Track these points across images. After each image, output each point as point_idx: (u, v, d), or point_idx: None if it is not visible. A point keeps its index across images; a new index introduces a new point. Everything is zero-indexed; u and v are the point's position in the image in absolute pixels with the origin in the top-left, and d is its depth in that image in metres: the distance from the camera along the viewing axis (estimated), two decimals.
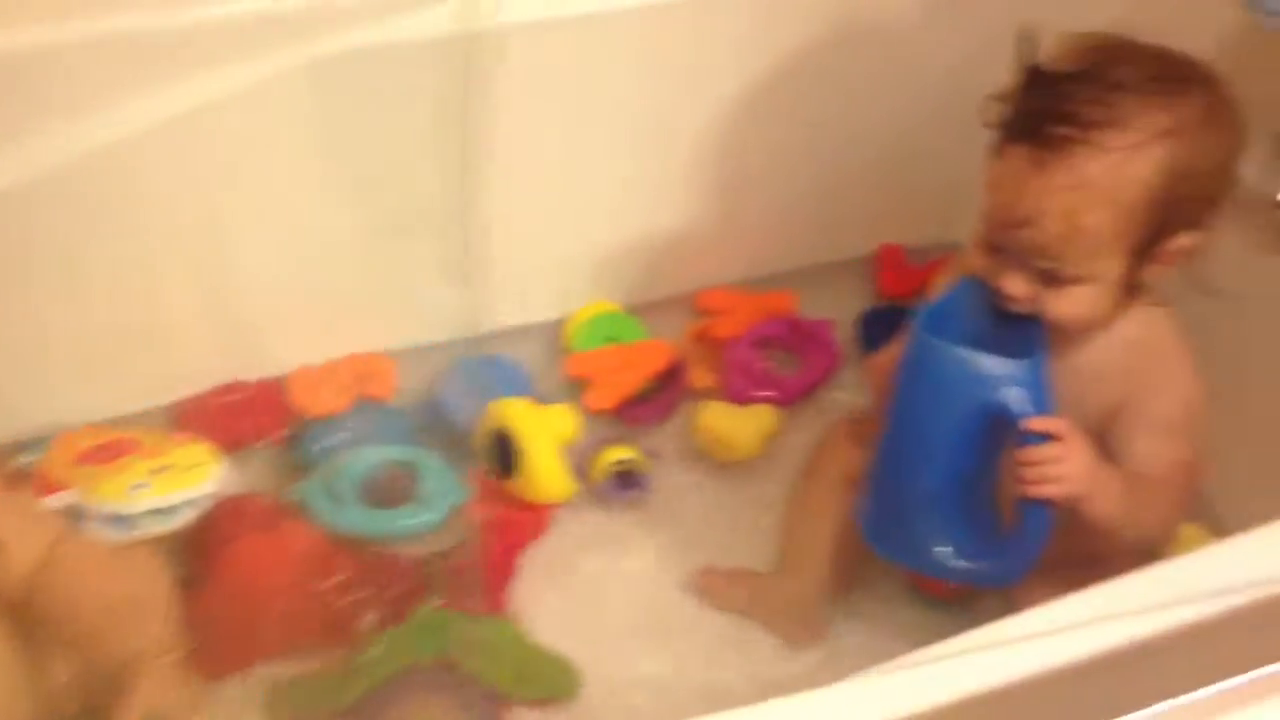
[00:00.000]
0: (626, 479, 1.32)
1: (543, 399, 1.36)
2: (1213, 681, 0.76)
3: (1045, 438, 1.00)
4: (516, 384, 1.40)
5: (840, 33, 1.34)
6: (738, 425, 1.34)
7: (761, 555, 1.29)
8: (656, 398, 1.41)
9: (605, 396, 1.39)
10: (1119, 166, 0.95)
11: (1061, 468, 1.00)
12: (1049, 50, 0.99)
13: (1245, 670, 0.76)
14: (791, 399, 1.41)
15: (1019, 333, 1.03)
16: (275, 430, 1.35)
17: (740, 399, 1.39)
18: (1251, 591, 0.79)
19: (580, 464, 1.32)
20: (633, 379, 1.40)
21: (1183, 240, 1.00)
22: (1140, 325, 1.05)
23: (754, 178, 1.44)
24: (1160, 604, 0.79)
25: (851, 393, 1.43)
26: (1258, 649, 0.77)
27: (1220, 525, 1.23)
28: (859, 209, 1.50)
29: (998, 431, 1.03)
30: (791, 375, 1.44)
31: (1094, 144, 0.94)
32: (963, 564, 1.07)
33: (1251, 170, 1.16)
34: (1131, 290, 1.03)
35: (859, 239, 1.54)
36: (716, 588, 1.25)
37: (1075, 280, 0.99)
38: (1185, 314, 1.08)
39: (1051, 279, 1.00)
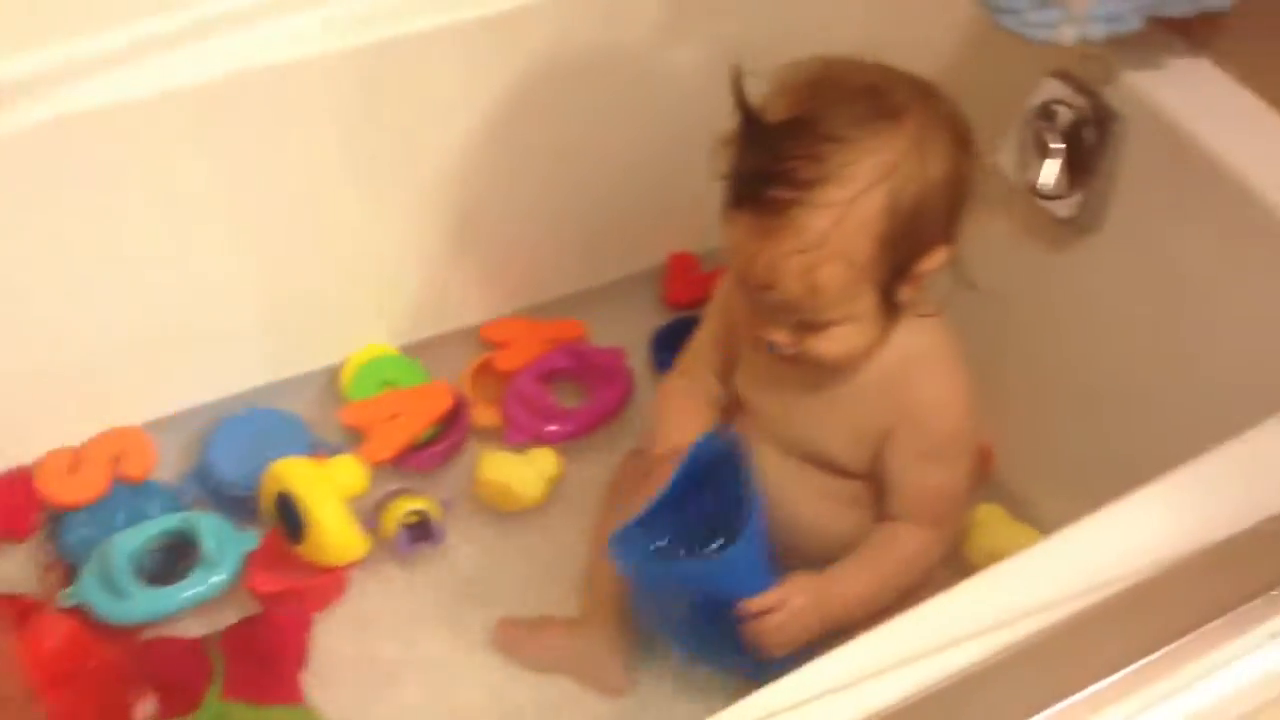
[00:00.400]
0: (419, 530, 1.26)
1: (325, 451, 1.30)
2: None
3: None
4: (293, 437, 1.33)
5: (588, 47, 1.32)
6: (516, 475, 1.29)
7: (565, 601, 1.25)
8: (438, 442, 1.35)
9: (382, 447, 1.32)
10: (843, 220, 0.94)
11: (785, 633, 1.02)
12: (768, 80, 0.98)
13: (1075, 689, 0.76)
14: (579, 433, 1.37)
15: (733, 488, 1.04)
16: (26, 526, 1.26)
17: (523, 437, 1.35)
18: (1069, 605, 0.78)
19: (371, 518, 1.27)
20: (410, 426, 1.34)
21: (932, 259, 1.00)
22: (909, 338, 1.05)
23: (519, 204, 1.40)
24: (963, 635, 0.78)
25: (648, 421, 1.39)
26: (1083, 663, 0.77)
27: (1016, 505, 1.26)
28: (642, 221, 1.48)
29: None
30: (579, 408, 1.40)
31: (813, 203, 0.94)
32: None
33: (1007, 159, 1.19)
34: (893, 312, 1.03)
35: (649, 251, 1.52)
36: (518, 641, 1.21)
37: (831, 324, 1.00)
38: (956, 303, 1.08)
39: (808, 327, 1.00)
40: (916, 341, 1.05)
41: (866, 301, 0.99)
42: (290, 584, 1.22)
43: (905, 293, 1.01)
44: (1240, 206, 1.04)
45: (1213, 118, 1.08)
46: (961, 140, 0.99)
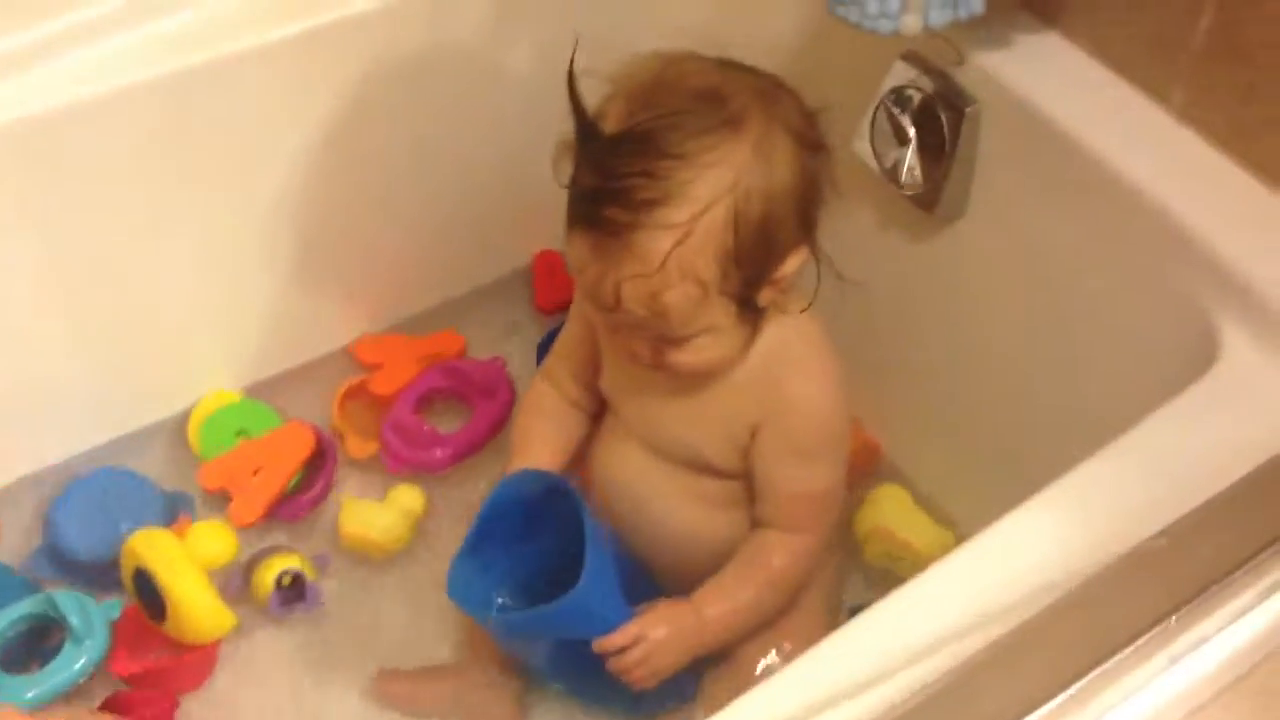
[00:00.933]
0: (293, 592, 1.19)
1: (185, 512, 1.24)
2: None
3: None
4: (144, 499, 1.25)
5: (420, 53, 1.26)
6: (377, 525, 1.23)
7: (449, 640, 1.20)
8: (305, 489, 1.28)
9: (249, 508, 1.25)
10: (685, 241, 0.89)
11: (651, 666, 1.00)
12: (606, 78, 0.94)
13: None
14: (465, 454, 1.31)
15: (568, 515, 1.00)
16: None
17: (404, 467, 1.29)
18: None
19: (240, 581, 1.20)
20: (275, 478, 1.27)
21: (789, 263, 0.96)
22: (778, 332, 1.01)
23: (367, 220, 1.34)
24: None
25: None
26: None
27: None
28: (503, 223, 1.42)
29: None
30: (461, 430, 1.33)
31: (652, 225, 0.89)
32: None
33: (864, 147, 1.15)
34: (756, 316, 0.99)
35: (515, 253, 1.47)
36: (401, 694, 1.16)
37: (689, 338, 0.96)
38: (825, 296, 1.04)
39: (666, 341, 0.96)
40: (785, 336, 1.02)
41: (723, 312, 0.95)
42: (154, 664, 1.15)
43: (766, 296, 0.97)
44: (1099, 183, 1.01)
45: (1066, 93, 1.05)
46: (807, 140, 0.95)
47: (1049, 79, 1.06)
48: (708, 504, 1.08)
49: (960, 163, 1.10)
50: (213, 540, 1.20)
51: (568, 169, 0.92)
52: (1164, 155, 1.00)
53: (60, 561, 1.22)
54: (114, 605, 1.17)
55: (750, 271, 0.93)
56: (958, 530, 1.19)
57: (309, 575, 1.20)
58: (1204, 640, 0.75)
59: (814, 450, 1.04)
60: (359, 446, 1.32)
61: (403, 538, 1.24)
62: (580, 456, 1.14)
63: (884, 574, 1.20)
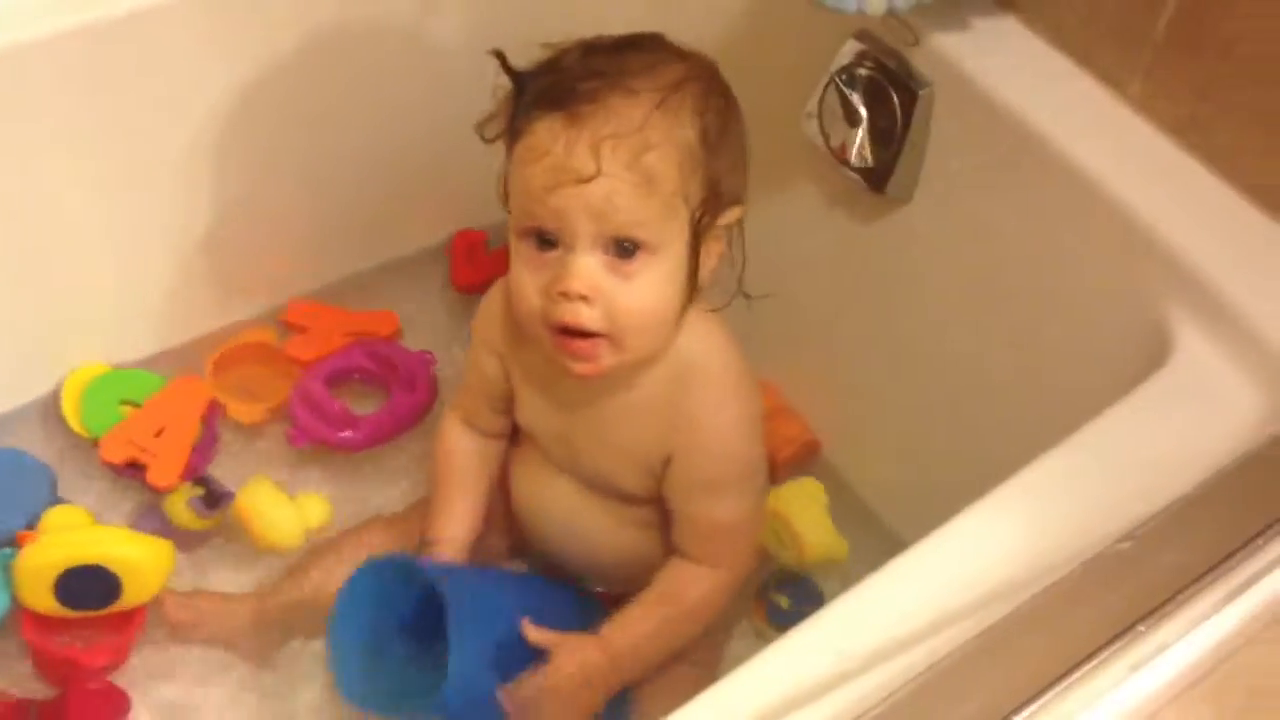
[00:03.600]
0: (210, 498, 1.19)
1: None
2: None
3: None
4: (38, 483, 1.19)
5: (342, 18, 1.22)
6: (272, 516, 1.18)
7: None
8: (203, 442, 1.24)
9: (167, 471, 1.19)
10: (660, 106, 0.90)
11: (565, 709, 0.99)
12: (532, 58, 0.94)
13: None
14: (371, 443, 1.27)
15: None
16: None
17: (307, 441, 1.25)
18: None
19: (158, 518, 1.19)
20: (183, 435, 1.22)
21: (731, 214, 0.95)
22: (689, 342, 0.98)
23: (278, 187, 1.29)
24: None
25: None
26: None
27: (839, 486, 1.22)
28: (422, 197, 1.38)
29: None
30: (372, 414, 1.28)
31: (627, 89, 0.90)
32: None
33: (812, 127, 1.12)
34: (693, 280, 0.95)
35: (433, 228, 1.43)
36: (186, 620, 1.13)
37: (648, 248, 0.91)
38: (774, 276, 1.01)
39: (622, 251, 0.91)
40: (695, 349, 0.98)
41: (680, 231, 0.92)
42: (66, 650, 1.10)
43: (709, 251, 0.95)
44: (1052, 171, 1.00)
45: (1022, 80, 1.03)
46: (738, 110, 0.97)
47: (1005, 64, 1.04)
48: (636, 526, 1.06)
49: (911, 145, 1.08)
50: (72, 518, 1.14)
51: (499, 125, 0.93)
52: (1120, 146, 0.99)
53: None
54: (8, 554, 1.11)
55: (712, 180, 0.92)
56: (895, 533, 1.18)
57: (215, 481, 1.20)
58: (1164, 648, 0.74)
59: (724, 483, 1.01)
60: (243, 412, 1.27)
61: (290, 541, 1.18)
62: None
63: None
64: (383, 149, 1.32)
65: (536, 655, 0.99)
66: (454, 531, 1.08)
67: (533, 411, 1.05)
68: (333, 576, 1.09)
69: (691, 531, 1.02)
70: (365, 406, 1.30)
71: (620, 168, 0.88)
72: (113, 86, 1.13)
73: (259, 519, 1.17)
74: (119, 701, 1.09)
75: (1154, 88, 0.99)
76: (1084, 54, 1.03)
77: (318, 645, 1.13)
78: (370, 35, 1.24)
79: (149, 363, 1.29)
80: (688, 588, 1.02)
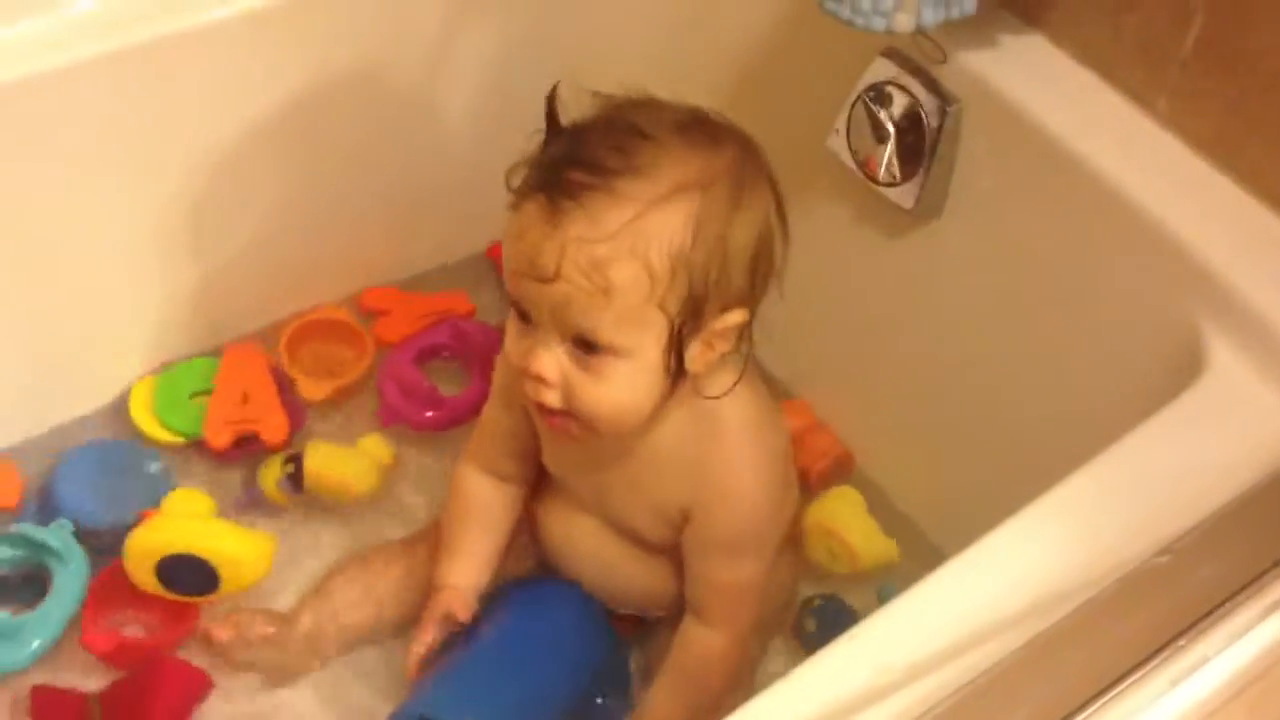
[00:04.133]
0: (297, 475, 1.21)
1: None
2: None
3: None
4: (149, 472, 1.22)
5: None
6: (351, 469, 1.21)
7: None
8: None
9: (278, 427, 1.24)
10: (642, 217, 0.85)
11: None
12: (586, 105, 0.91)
13: None
14: (455, 423, 1.27)
15: None
16: None
17: (396, 420, 1.27)
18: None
19: (249, 495, 1.22)
20: (266, 391, 1.25)
21: (728, 317, 0.90)
22: (693, 418, 0.96)
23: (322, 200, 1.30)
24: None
25: None
26: None
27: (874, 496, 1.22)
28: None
29: None
30: (459, 395, 1.29)
31: (612, 191, 0.85)
32: None
33: (840, 143, 1.13)
34: (677, 375, 0.92)
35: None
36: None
37: (612, 350, 0.89)
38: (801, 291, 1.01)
39: (586, 348, 0.89)
40: (723, 404, 0.96)
41: (653, 339, 0.89)
42: (128, 639, 1.12)
43: (696, 352, 0.91)
44: (1082, 188, 1.01)
45: (1050, 96, 1.04)
46: (778, 200, 0.92)
47: (1033, 81, 1.05)
48: (655, 567, 1.06)
49: (939, 162, 1.08)
50: (192, 504, 1.15)
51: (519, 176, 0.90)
52: (1148, 162, 1.00)
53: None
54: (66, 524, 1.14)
55: (696, 296, 0.88)
56: (933, 545, 1.19)
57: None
58: (1205, 661, 0.74)
59: (742, 544, 1.01)
60: (312, 388, 1.29)
61: (373, 483, 1.22)
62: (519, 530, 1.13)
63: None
64: (435, 155, 1.33)
65: None
66: (467, 579, 1.07)
67: (558, 458, 1.05)
68: (351, 605, 1.12)
69: (706, 590, 1.02)
70: (449, 386, 1.31)
71: (580, 275, 0.86)
72: (168, 93, 1.14)
73: (332, 473, 1.20)
74: (201, 681, 1.10)
75: (1181, 104, 1.00)
76: (1111, 71, 1.03)
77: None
78: (416, 48, 1.25)
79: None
80: (707, 661, 1.03)
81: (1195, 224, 0.96)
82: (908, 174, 1.10)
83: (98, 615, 1.13)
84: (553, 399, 0.92)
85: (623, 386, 0.90)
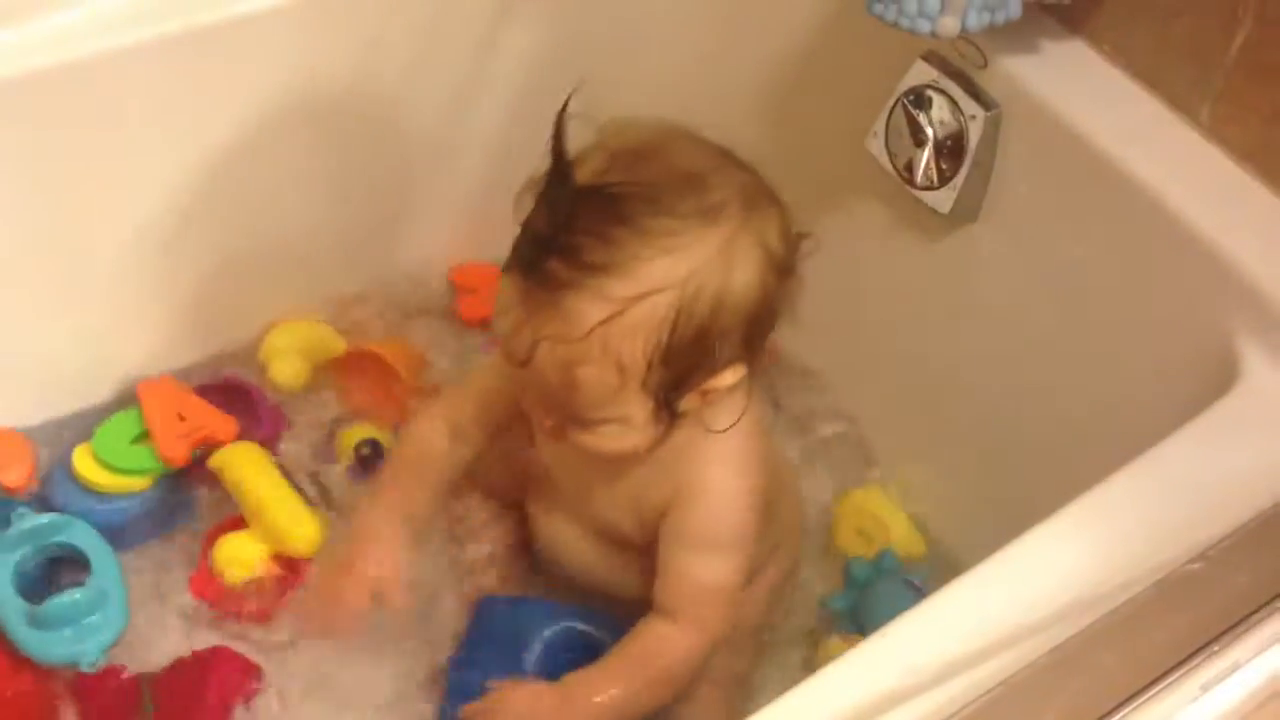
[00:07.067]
0: (369, 460, 1.20)
1: None
2: None
3: None
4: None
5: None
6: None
7: None
8: None
9: (222, 425, 1.22)
10: (618, 319, 0.83)
11: None
12: (597, 128, 0.87)
13: None
14: None
15: None
16: None
17: None
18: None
19: (326, 447, 1.23)
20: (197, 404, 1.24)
21: (721, 378, 0.89)
22: (690, 441, 0.96)
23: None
24: None
25: None
26: None
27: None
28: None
29: None
30: None
31: (589, 290, 0.83)
32: None
33: (878, 146, 1.13)
34: (674, 418, 0.92)
35: None
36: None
37: (595, 422, 0.90)
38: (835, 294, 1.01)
39: (571, 419, 0.90)
40: (698, 447, 0.96)
41: (638, 406, 0.89)
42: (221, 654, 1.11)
43: (690, 402, 0.90)
44: (1120, 195, 1.00)
45: (1090, 103, 1.04)
46: (778, 260, 0.88)
47: (1073, 87, 1.05)
48: (635, 568, 1.05)
49: (978, 166, 1.08)
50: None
51: (529, 207, 0.86)
52: (1189, 171, 0.99)
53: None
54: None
55: (678, 374, 0.87)
56: (951, 550, 1.19)
57: (385, 444, 1.21)
58: (1237, 667, 0.74)
59: (716, 541, 0.98)
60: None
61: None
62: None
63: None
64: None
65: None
66: (394, 531, 1.04)
67: (547, 446, 1.04)
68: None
69: (675, 586, 0.99)
70: None
71: (551, 369, 0.86)
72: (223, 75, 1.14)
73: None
74: (252, 671, 1.10)
75: (1224, 113, 0.99)
76: (1153, 78, 1.03)
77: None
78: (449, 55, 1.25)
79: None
80: (659, 653, 0.99)
81: (1234, 234, 0.96)
82: (945, 178, 1.10)
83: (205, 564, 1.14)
84: (546, 432, 0.93)
85: (615, 440, 0.91)
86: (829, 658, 1.08)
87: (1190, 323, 0.97)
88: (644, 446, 0.93)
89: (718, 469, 0.97)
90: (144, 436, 1.20)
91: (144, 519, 1.18)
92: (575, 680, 0.99)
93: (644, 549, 1.03)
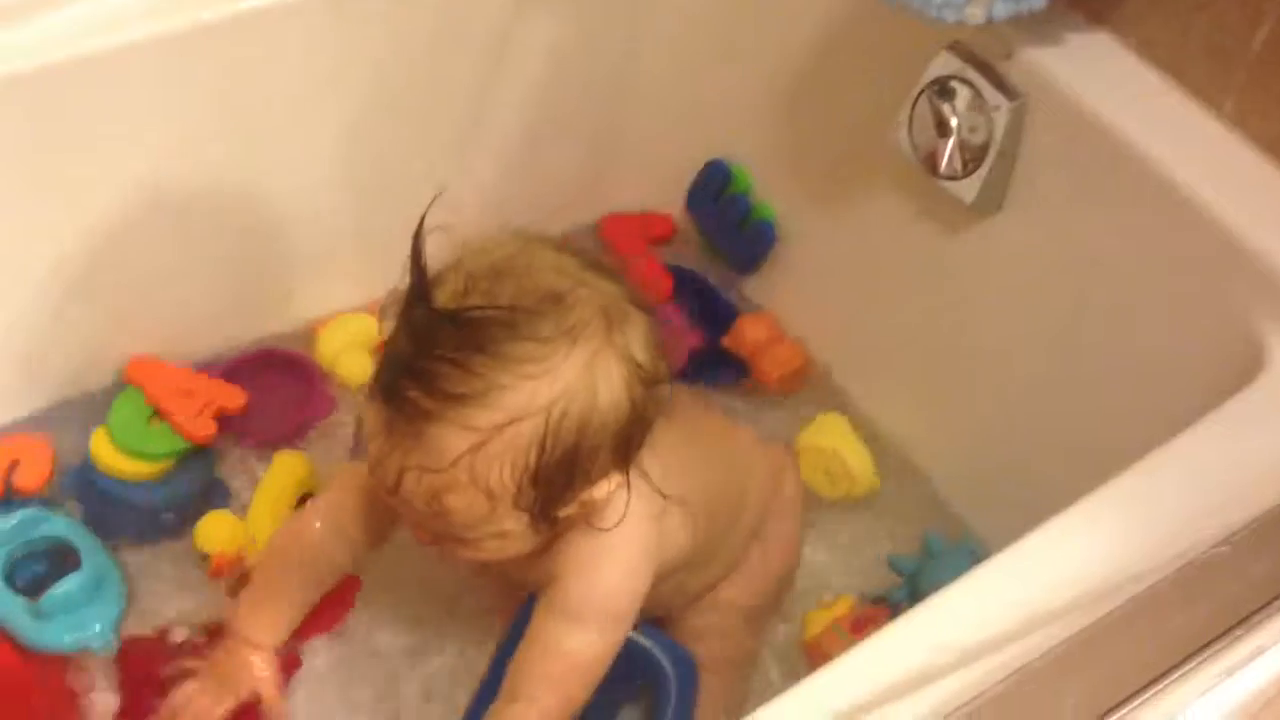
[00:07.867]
0: None
1: None
2: None
3: None
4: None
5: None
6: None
7: None
8: None
9: (230, 392, 1.23)
10: (482, 449, 0.83)
11: None
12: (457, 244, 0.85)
13: None
14: None
15: None
16: None
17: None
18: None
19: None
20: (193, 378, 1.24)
21: (596, 490, 0.88)
22: (580, 533, 0.94)
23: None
24: None
25: None
26: None
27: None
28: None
29: None
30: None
31: (451, 422, 0.82)
32: None
33: (902, 136, 1.14)
34: (554, 525, 0.90)
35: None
36: None
37: (472, 539, 0.89)
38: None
39: (446, 535, 0.90)
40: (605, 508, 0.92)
41: (514, 521, 0.88)
42: None
43: (569, 510, 0.89)
44: (1144, 185, 1.01)
45: (1115, 94, 1.04)
46: (643, 373, 0.87)
47: (1098, 79, 1.05)
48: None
49: (1002, 157, 1.09)
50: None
51: (393, 321, 0.85)
52: (1213, 162, 1.00)
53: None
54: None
55: (549, 493, 0.86)
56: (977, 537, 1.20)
57: None
58: (1261, 651, 0.75)
59: (585, 615, 0.94)
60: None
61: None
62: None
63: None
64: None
65: None
66: (273, 637, 1.03)
67: None
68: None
69: (538, 656, 0.94)
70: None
71: (418, 497, 0.86)
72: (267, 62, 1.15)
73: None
74: (290, 660, 1.09)
75: (1248, 104, 1.00)
76: (1177, 70, 1.04)
77: None
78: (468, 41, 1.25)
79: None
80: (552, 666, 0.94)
81: (1258, 224, 0.96)
82: (969, 168, 1.11)
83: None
84: (427, 544, 0.92)
85: (495, 551, 0.90)
86: (814, 630, 1.14)
87: (1214, 312, 0.98)
88: (527, 550, 0.92)
89: (604, 543, 0.93)
90: (155, 417, 1.20)
91: (185, 501, 1.18)
92: None
93: None
